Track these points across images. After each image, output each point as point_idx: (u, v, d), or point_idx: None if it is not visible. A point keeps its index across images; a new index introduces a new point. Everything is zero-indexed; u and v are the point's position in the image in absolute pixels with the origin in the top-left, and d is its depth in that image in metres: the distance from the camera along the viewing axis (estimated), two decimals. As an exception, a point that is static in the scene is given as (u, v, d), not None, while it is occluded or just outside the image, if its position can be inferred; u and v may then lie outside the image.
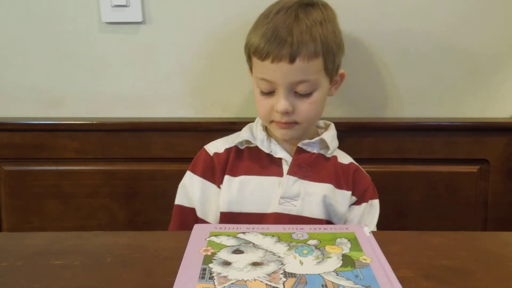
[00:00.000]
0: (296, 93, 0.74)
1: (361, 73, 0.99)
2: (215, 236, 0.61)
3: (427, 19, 0.96)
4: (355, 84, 0.99)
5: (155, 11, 0.97)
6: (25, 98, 1.01)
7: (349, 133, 0.97)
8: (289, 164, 0.80)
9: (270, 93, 0.75)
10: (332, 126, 0.86)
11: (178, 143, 0.99)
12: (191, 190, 0.82)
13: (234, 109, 1.02)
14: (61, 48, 0.99)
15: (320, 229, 0.64)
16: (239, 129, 0.86)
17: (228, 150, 0.82)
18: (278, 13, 0.74)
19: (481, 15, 0.95)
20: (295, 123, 0.76)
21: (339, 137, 0.85)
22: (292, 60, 0.71)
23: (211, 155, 0.83)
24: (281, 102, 0.74)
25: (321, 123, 0.88)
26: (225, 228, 0.64)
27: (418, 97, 1.00)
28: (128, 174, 1.00)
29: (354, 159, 0.86)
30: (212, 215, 0.81)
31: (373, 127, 0.99)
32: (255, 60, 0.76)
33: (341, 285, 0.50)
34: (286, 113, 0.74)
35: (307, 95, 0.75)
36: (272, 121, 0.78)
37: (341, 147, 0.86)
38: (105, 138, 0.99)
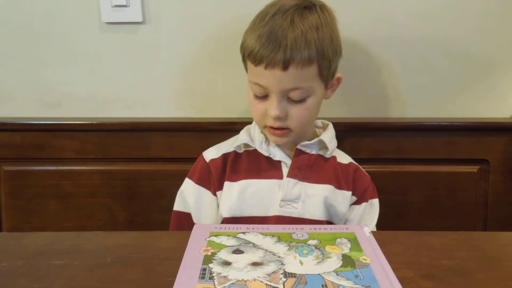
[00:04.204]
0: (289, 98, 0.74)
1: (361, 73, 0.99)
2: (215, 236, 0.61)
3: (427, 19, 0.96)
4: (355, 84, 0.99)
5: (155, 11, 0.97)
6: (25, 98, 1.01)
7: (349, 133, 0.97)
8: (288, 166, 0.80)
9: (263, 97, 0.75)
10: (331, 126, 0.85)
11: (178, 143, 0.99)
12: (188, 196, 0.82)
13: (234, 109, 1.02)
14: (61, 48, 0.99)
15: (320, 229, 0.64)
16: (239, 129, 0.86)
17: (225, 156, 0.82)
18: (274, 16, 0.72)
19: (481, 15, 0.95)
20: (288, 129, 0.76)
21: (339, 137, 0.85)
22: (285, 67, 0.70)
23: (208, 162, 0.82)
24: (273, 108, 0.73)
25: (319, 122, 0.87)
26: (225, 228, 0.64)
27: (418, 97, 1.00)
28: (128, 174, 1.00)
29: (354, 159, 0.86)
30: (207, 222, 0.81)
31: (373, 127, 0.99)
32: (249, 64, 0.75)
33: (341, 285, 0.50)
34: (278, 118, 0.74)
35: (301, 101, 0.74)
36: (265, 126, 0.77)
37: (341, 147, 0.86)
38: (105, 138, 0.99)
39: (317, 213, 0.78)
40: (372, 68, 0.99)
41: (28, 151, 0.99)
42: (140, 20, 0.96)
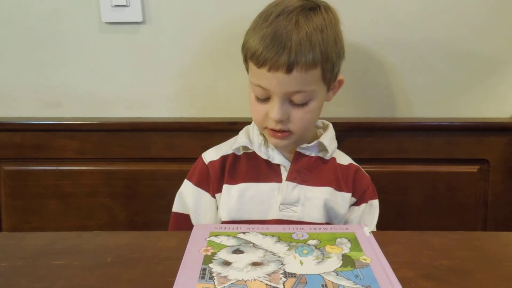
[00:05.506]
0: (291, 101, 0.73)
1: (361, 73, 0.99)
2: (215, 236, 0.61)
3: (427, 20, 0.96)
4: (355, 84, 0.99)
5: (155, 11, 0.97)
6: (25, 98, 1.01)
7: (349, 133, 0.97)
8: (287, 169, 0.79)
9: (265, 99, 0.74)
10: (331, 126, 0.84)
11: (178, 143, 0.99)
12: (186, 197, 0.82)
13: (234, 109, 1.02)
14: (61, 48, 0.99)
15: (320, 229, 0.64)
16: (239, 129, 0.85)
17: (224, 158, 0.81)
18: (278, 17, 0.70)
19: (481, 15, 0.95)
20: (289, 132, 0.75)
21: (340, 137, 0.85)
22: (289, 70, 0.69)
23: (206, 164, 0.81)
24: (275, 111, 0.72)
25: (319, 122, 0.87)
26: (225, 228, 0.64)
27: (418, 97, 1.00)
28: (128, 174, 1.00)
29: (354, 159, 0.86)
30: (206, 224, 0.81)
31: (373, 127, 0.99)
32: (251, 65, 0.73)
33: (341, 285, 0.50)
34: (280, 121, 0.73)
35: (303, 104, 0.73)
36: (266, 127, 0.76)
37: (341, 147, 0.86)
38: (105, 138, 0.99)
39: (317, 216, 0.77)
40: (372, 68, 0.99)
41: (28, 151, 0.99)
42: (140, 20, 0.96)
